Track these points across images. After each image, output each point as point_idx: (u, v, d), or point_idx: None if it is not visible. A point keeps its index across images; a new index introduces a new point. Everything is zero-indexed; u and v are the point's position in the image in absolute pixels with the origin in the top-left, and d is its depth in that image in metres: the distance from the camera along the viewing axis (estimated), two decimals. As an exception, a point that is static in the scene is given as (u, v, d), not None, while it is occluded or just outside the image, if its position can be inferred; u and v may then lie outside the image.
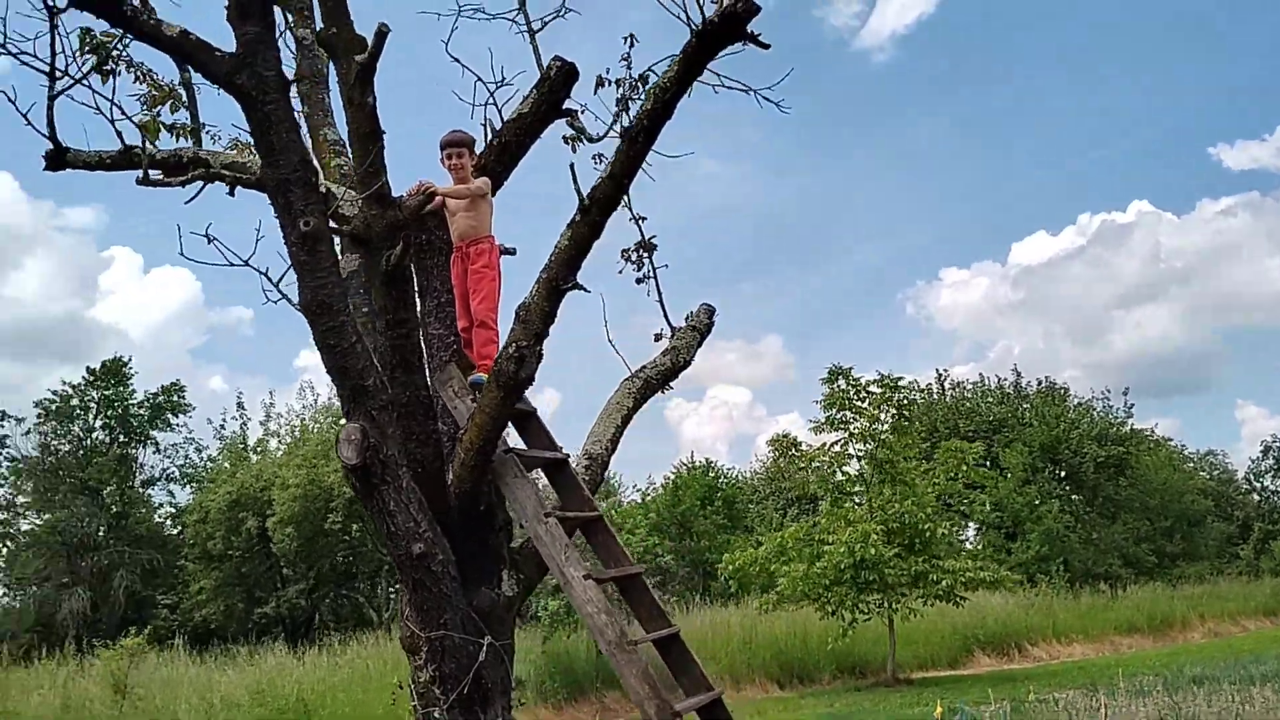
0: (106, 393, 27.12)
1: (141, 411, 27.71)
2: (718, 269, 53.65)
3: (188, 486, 28.58)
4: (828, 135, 56.39)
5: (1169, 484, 33.87)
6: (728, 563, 19.46)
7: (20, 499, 27.02)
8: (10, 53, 4.49)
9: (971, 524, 32.19)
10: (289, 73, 6.12)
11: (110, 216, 45.66)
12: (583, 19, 6.74)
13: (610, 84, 6.26)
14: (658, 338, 5.97)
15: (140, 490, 28.04)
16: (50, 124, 4.88)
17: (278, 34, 5.80)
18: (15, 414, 26.94)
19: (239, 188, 5.52)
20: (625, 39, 6.24)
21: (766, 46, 4.30)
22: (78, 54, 4.79)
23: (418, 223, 5.26)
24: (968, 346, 55.46)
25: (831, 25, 53.11)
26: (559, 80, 5.23)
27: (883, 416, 19.44)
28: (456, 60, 5.77)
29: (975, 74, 55.72)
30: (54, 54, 4.85)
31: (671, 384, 5.79)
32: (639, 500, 30.37)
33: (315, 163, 5.94)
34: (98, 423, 27.47)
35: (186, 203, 5.46)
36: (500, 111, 5.56)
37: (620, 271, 6.46)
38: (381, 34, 4.52)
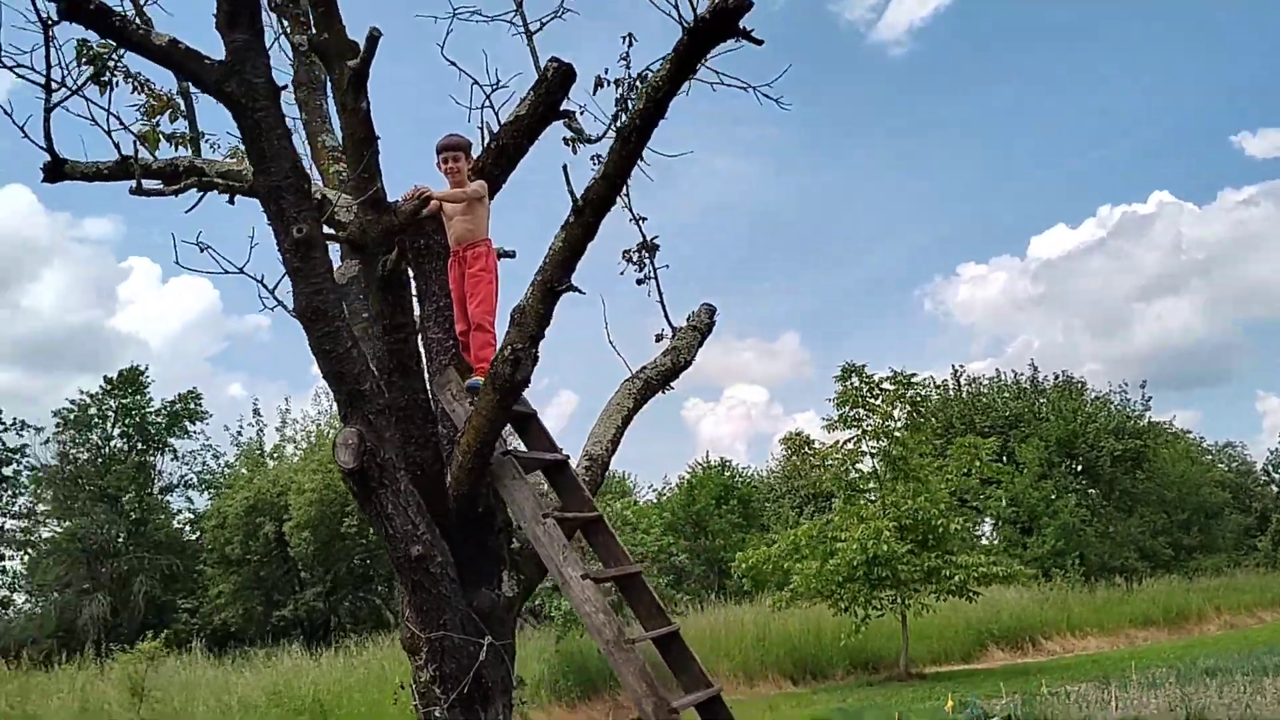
0: (124, 401, 27.39)
1: (159, 419, 27.98)
2: (734, 267, 53.70)
3: (205, 493, 28.85)
4: (845, 130, 56.31)
5: (1186, 476, 33.63)
6: (741, 561, 19.49)
7: (41, 507, 27.34)
8: (6, 66, 4.54)
9: (988, 519, 32.11)
10: (287, 80, 6.24)
11: (128, 227, 46.11)
12: (581, 19, 6.75)
13: (609, 84, 6.27)
14: (659, 338, 5.98)
15: (159, 497, 28.31)
16: (47, 136, 4.93)
17: (276, 40, 5.93)
18: (35, 424, 27.31)
19: (240, 196, 5.58)
20: (624, 39, 6.24)
21: (760, 42, 4.29)
22: (74, 66, 4.82)
23: (415, 227, 5.28)
24: (986, 342, 55.26)
25: (846, 19, 52.98)
26: (556, 81, 5.23)
27: (896, 413, 19.42)
28: (453, 64, 5.79)
29: (994, 64, 55.49)
30: (49, 66, 4.90)
31: (673, 384, 5.79)
32: (655, 500, 30.45)
33: (316, 170, 6.02)
34: (116, 431, 27.74)
35: (186, 211, 5.51)
36: (497, 114, 5.58)
37: (622, 272, 6.48)
38: (373, 38, 4.54)
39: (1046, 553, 28.71)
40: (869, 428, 19.07)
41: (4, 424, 26.46)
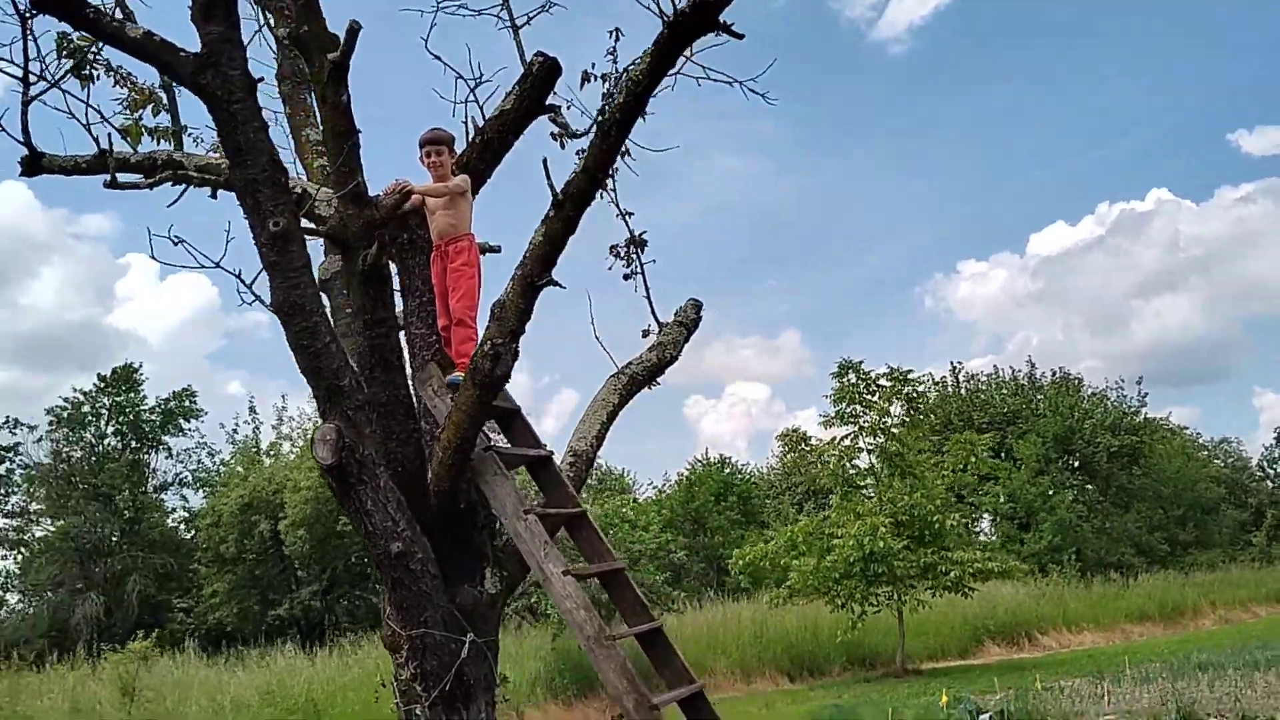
0: (118, 399, 27.30)
1: (153, 417, 27.89)
2: (736, 265, 53.70)
3: (200, 491, 28.77)
4: (846, 128, 56.28)
5: (1182, 472, 33.65)
6: (738, 558, 19.47)
7: (34, 506, 27.26)
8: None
9: (986, 515, 32.10)
10: (270, 73, 6.20)
11: (125, 223, 45.99)
12: (569, 14, 6.71)
13: (596, 79, 6.24)
14: (645, 333, 5.95)
15: (153, 495, 28.23)
16: (25, 129, 4.90)
17: (258, 33, 5.88)
18: (30, 422, 27.22)
19: (221, 190, 5.54)
20: (610, 33, 6.21)
21: (740, 36, 4.25)
22: (49, 58, 4.78)
23: (398, 222, 5.25)
24: (987, 339, 55.27)
25: (847, 17, 52.92)
26: (541, 76, 5.19)
27: (893, 410, 19.41)
28: (437, 58, 5.75)
29: (993, 62, 55.45)
30: (27, 59, 4.87)
31: (659, 380, 5.76)
32: (655, 497, 30.41)
33: (300, 164, 5.98)
34: (109, 429, 27.66)
35: (169, 205, 5.49)
36: (482, 109, 5.54)
37: (610, 268, 6.46)
38: (353, 31, 4.49)
39: (1043, 548, 28.71)
40: (866, 424, 19.05)
41: (-3, 422, 26.40)
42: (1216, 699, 10.44)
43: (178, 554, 26.79)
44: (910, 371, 19.57)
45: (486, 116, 5.42)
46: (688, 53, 5.37)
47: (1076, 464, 33.03)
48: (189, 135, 6.05)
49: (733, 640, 18.66)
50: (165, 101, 6.04)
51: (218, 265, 4.32)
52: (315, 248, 5.95)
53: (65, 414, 26.95)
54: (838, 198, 55.85)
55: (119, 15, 4.75)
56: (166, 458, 28.75)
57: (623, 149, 6.33)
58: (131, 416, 27.44)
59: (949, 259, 65.15)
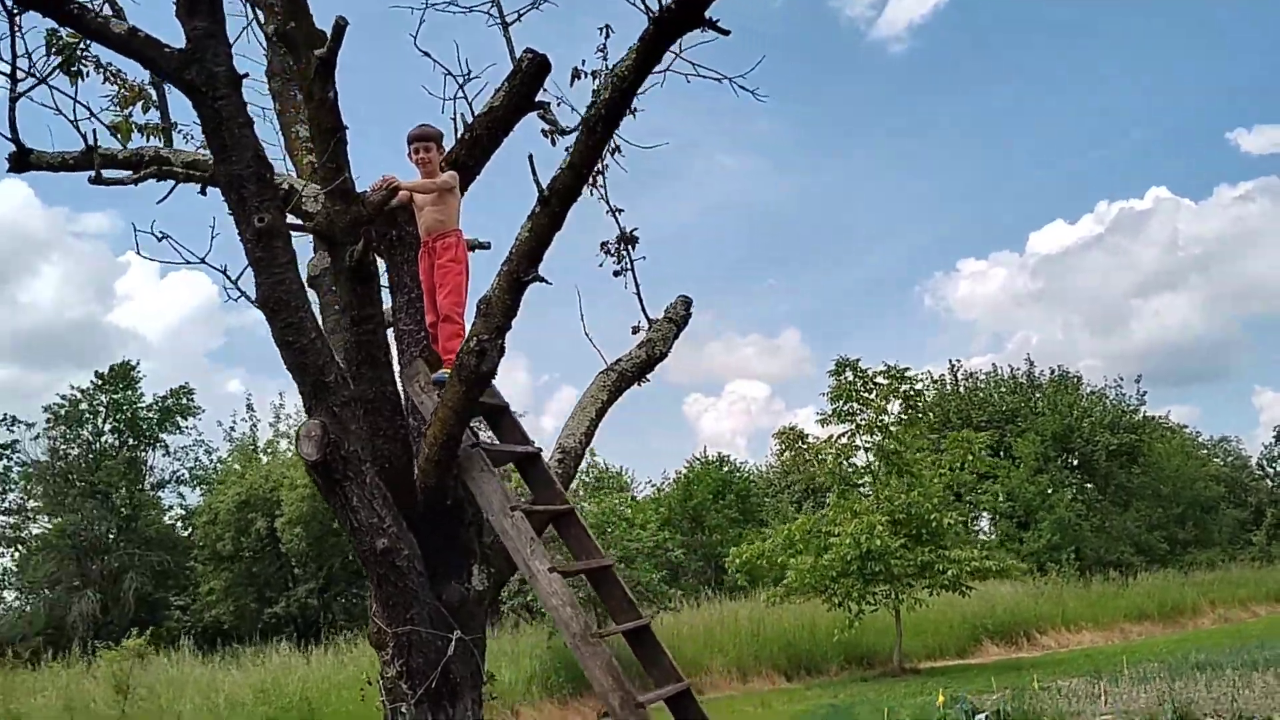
0: (115, 397, 27.29)
1: (150, 415, 27.88)
2: (737, 263, 53.70)
3: (198, 488, 28.77)
4: (846, 127, 56.26)
5: (1181, 471, 33.63)
6: (735, 556, 19.46)
7: (31, 503, 27.25)
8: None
9: (985, 514, 32.09)
10: (260, 70, 6.18)
11: (125, 221, 45.96)
12: (559, 11, 6.70)
13: (586, 76, 6.22)
14: (635, 330, 5.93)
15: (150, 493, 28.23)
16: (12, 125, 4.88)
17: (247, 28, 5.86)
18: (26, 419, 27.20)
19: (211, 186, 5.52)
20: (601, 30, 6.19)
21: (726, 33, 4.24)
22: (37, 54, 4.76)
23: (387, 219, 5.23)
24: (986, 338, 55.27)
25: (847, 16, 52.91)
26: (531, 73, 5.18)
27: (890, 408, 19.39)
28: (426, 54, 5.75)
29: (993, 61, 55.43)
30: (14, 55, 4.86)
31: (648, 376, 5.74)
32: (653, 495, 30.40)
33: (290, 161, 5.96)
34: (106, 426, 27.65)
35: (158, 202, 5.45)
36: (470, 105, 5.53)
37: (600, 264, 6.44)
38: (339, 27, 4.47)
39: (1042, 547, 28.71)
40: (863, 422, 19.04)
41: (-6, 420, 26.38)
42: (1214, 699, 10.43)
43: (174, 552, 26.78)
44: (907, 369, 19.57)
45: (475, 113, 5.41)
46: (677, 50, 5.39)
47: (1075, 462, 33.01)
48: (179, 132, 6.02)
49: (729, 639, 18.65)
50: (155, 98, 6.02)
51: (203, 261, 4.32)
52: (304, 244, 5.96)
53: (63, 411, 26.95)
54: (838, 196, 55.91)
55: (107, 11, 4.73)
56: (164, 455, 28.80)
57: (613, 146, 6.36)
58: (129, 414, 27.44)
59: (949, 258, 65.26)
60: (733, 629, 19.15)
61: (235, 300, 4.43)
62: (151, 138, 5.98)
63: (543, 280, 4.36)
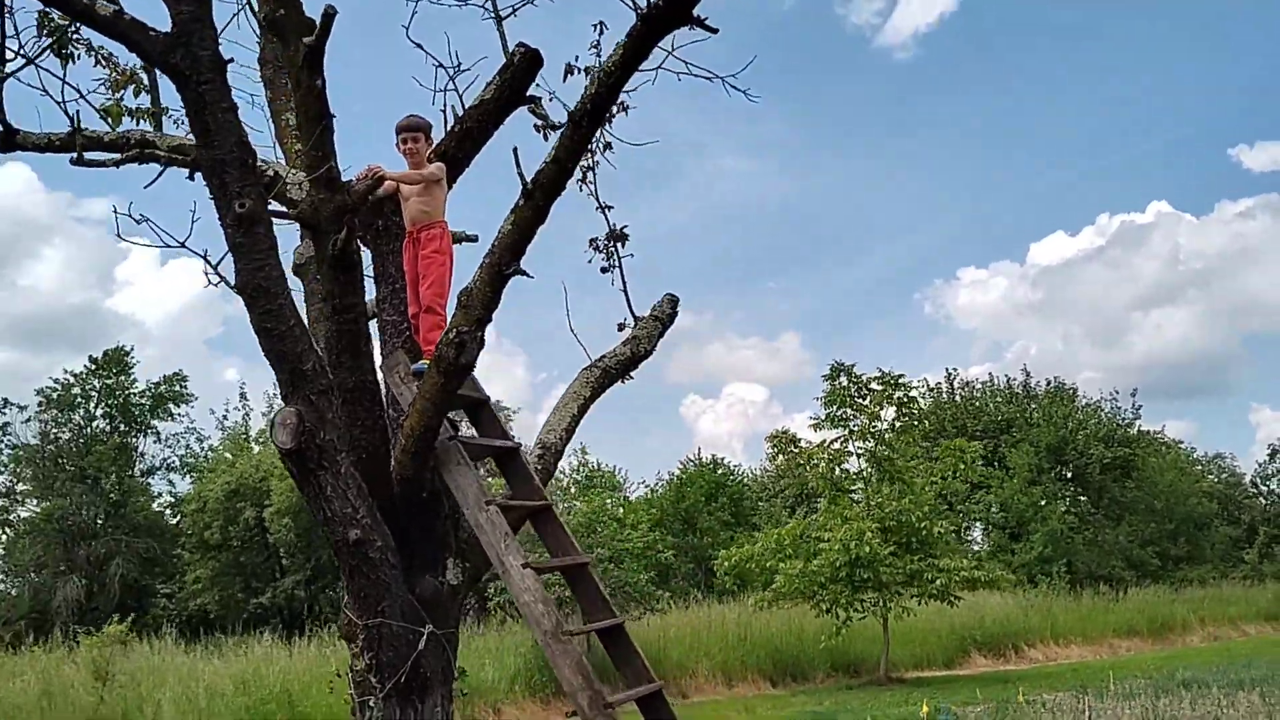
0: (108, 382, 27.25)
1: (143, 401, 27.84)
2: (737, 265, 53.67)
3: (188, 476, 28.72)
4: (849, 132, 56.23)
5: (1175, 486, 33.59)
6: (724, 559, 19.42)
7: (20, 486, 27.22)
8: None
9: (978, 524, 32.06)
10: (253, 57, 6.15)
11: (135, 208, 45.87)
12: (554, 7, 6.67)
13: (579, 72, 6.20)
14: (621, 327, 5.91)
15: (140, 479, 28.18)
16: (-1, 105, 4.86)
17: (240, 12, 5.84)
18: (20, 402, 27.16)
19: (198, 171, 5.49)
20: (595, 26, 6.17)
21: (714, 31, 4.23)
22: (26, 35, 4.74)
23: (373, 209, 5.21)
24: (985, 346, 55.18)
25: (853, 23, 52.92)
26: (523, 67, 5.16)
27: (884, 414, 19.35)
28: (418, 45, 5.72)
29: (995, 72, 55.42)
30: (4, 36, 4.83)
31: (632, 374, 5.72)
32: (646, 495, 30.36)
33: (280, 149, 5.94)
34: (99, 411, 27.61)
35: (146, 186, 5.43)
36: (461, 97, 5.51)
37: (589, 261, 6.42)
38: (328, 16, 4.44)
39: (1034, 559, 28.66)
40: (856, 428, 19.00)
41: (-14, 401, 26.35)
42: (1198, 717, 10.40)
43: (162, 539, 26.73)
44: (902, 376, 19.52)
45: (466, 106, 5.39)
46: (670, 48, 5.37)
47: (1069, 475, 32.99)
48: (169, 117, 5.99)
49: (716, 642, 18.59)
50: (146, 83, 5.99)
51: (183, 245, 4.29)
52: (291, 232, 5.93)
53: (55, 395, 26.91)
54: (840, 201, 55.91)
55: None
56: (155, 442, 28.77)
57: (605, 143, 6.35)
58: (121, 400, 27.41)
59: (950, 266, 65.15)
60: (720, 632, 19.08)
61: (216, 285, 4.40)
62: (141, 121, 5.97)
63: (524, 273, 4.33)
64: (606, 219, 6.02)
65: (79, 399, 27.24)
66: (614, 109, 6.17)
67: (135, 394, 27.67)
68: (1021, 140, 56.34)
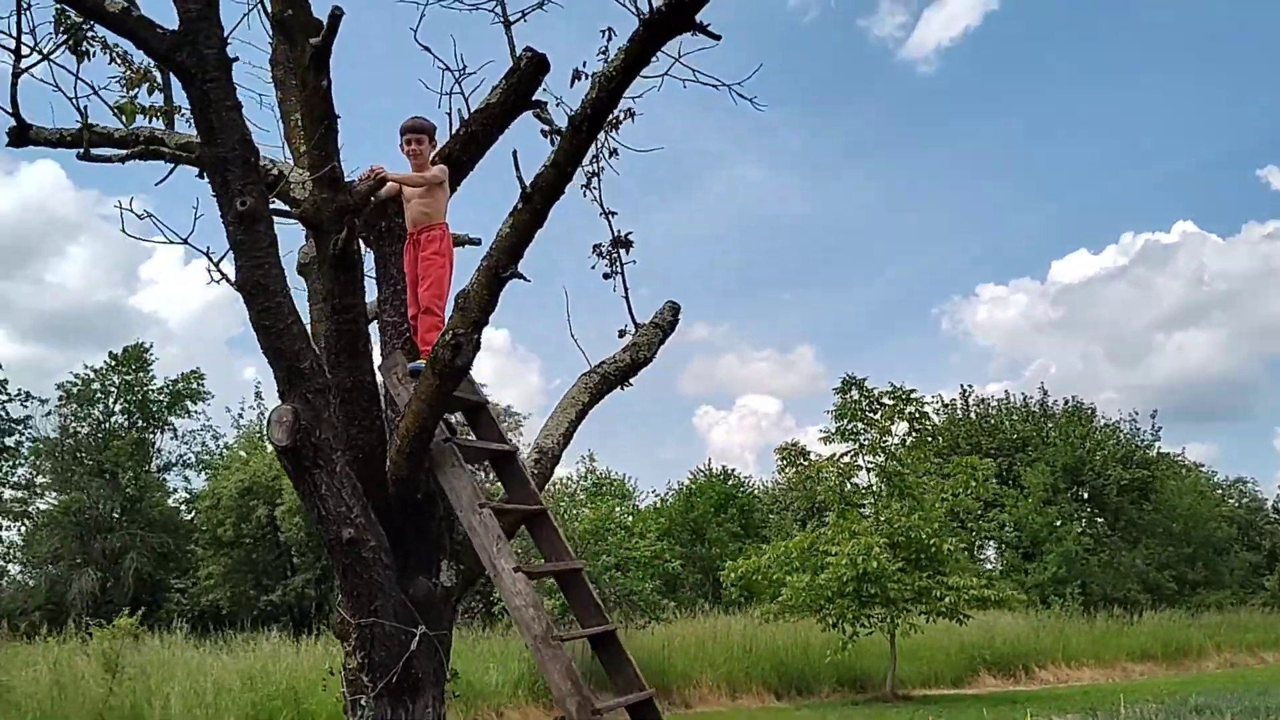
0: (127, 378, 27.55)
1: (161, 397, 28.13)
2: (753, 277, 53.61)
3: (203, 473, 28.97)
4: (869, 146, 56.10)
5: (1194, 510, 33.12)
6: (730, 570, 19.35)
7: (39, 479, 27.54)
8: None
9: (991, 542, 31.73)
10: (264, 58, 6.21)
11: (153, 206, 46.44)
12: (565, 12, 6.70)
13: (586, 78, 6.21)
14: (622, 334, 5.91)
15: (156, 475, 28.46)
16: (13, 101, 4.93)
17: (250, 12, 5.89)
18: (40, 396, 27.51)
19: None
20: (603, 32, 6.19)
21: (717, 38, 4.24)
22: (40, 31, 4.81)
23: (377, 209, 5.25)
24: (1004, 364, 54.66)
25: (875, 36, 52.84)
26: (529, 72, 5.20)
27: (895, 429, 19.24)
28: (426, 49, 5.76)
29: (1020, 88, 55.11)
30: (19, 32, 4.91)
31: (631, 380, 5.72)
32: (656, 505, 30.31)
33: (289, 148, 5.99)
34: (117, 407, 27.92)
35: (156, 184, 5.49)
36: (467, 101, 5.54)
37: (593, 267, 6.43)
38: (335, 17, 4.49)
39: (1047, 579, 28.33)
40: (866, 442, 18.90)
41: (9, 395, 26.70)
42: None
43: (176, 534, 26.96)
44: (913, 391, 19.41)
45: (472, 109, 5.42)
46: (676, 54, 5.38)
47: (1085, 495, 32.63)
48: (181, 115, 6.06)
49: (721, 653, 18.48)
50: (160, 81, 6.06)
51: (185, 241, 4.33)
52: (297, 231, 5.98)
53: (75, 390, 27.24)
54: (859, 214, 55.76)
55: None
56: (171, 438, 29.05)
57: (612, 150, 6.37)
58: (140, 396, 27.70)
59: (968, 281, 64.70)
60: (725, 643, 18.98)
61: (218, 282, 4.44)
62: (155, 119, 6.04)
63: (521, 277, 4.35)
64: (610, 225, 6.04)
65: (98, 394, 27.57)
66: (621, 116, 6.21)
67: (154, 390, 28.00)
68: (1045, 156, 56.03)
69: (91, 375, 27.55)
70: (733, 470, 32.03)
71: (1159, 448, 33.99)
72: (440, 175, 4.98)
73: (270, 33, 5.99)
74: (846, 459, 19.11)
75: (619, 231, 6.27)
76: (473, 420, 5.15)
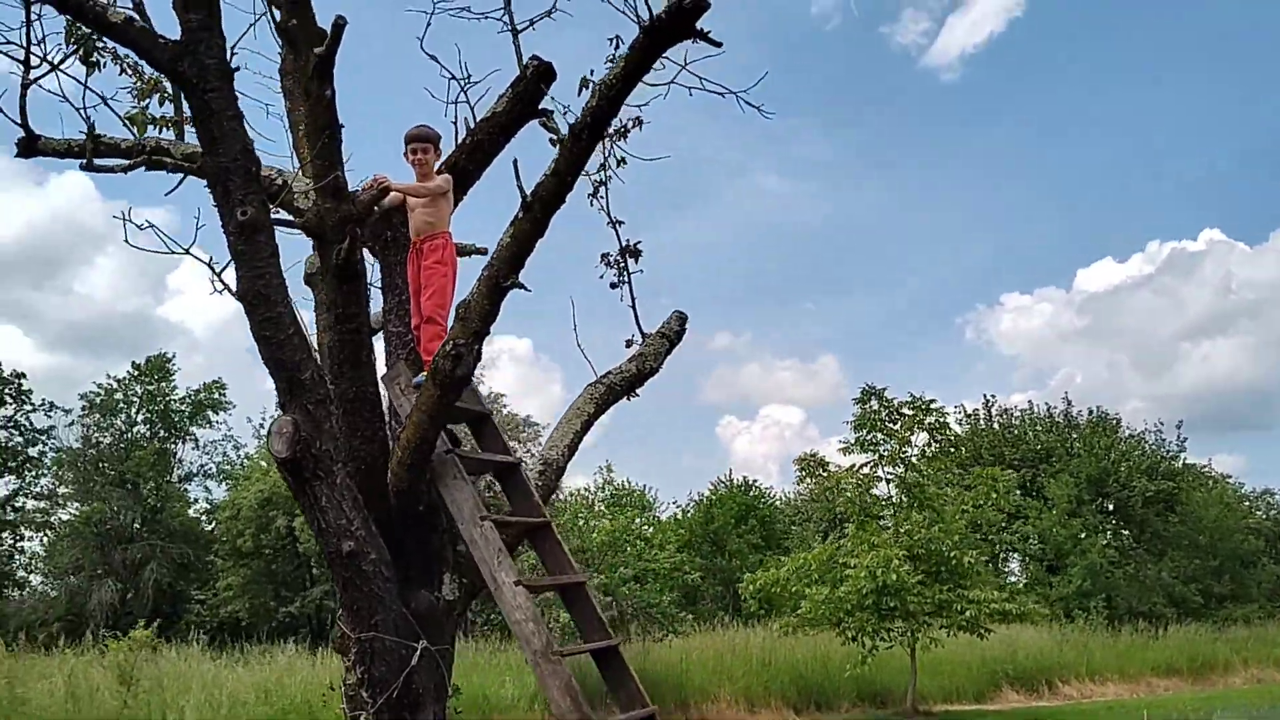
0: (149, 388, 27.77)
1: (183, 408, 28.34)
2: (775, 286, 53.45)
3: (224, 483, 29.15)
4: (891, 154, 55.87)
5: (1220, 522, 32.54)
6: (749, 582, 19.18)
7: (61, 489, 27.78)
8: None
9: (1015, 555, 31.32)
10: (273, 67, 6.22)
11: (181, 217, 46.99)
12: (573, 20, 6.68)
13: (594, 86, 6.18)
14: (629, 343, 5.85)
15: (177, 485, 28.64)
16: (22, 111, 4.96)
17: (257, 22, 5.91)
18: (65, 406, 27.79)
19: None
20: (611, 40, 6.16)
21: (718, 44, 4.19)
22: (49, 42, 4.84)
23: (382, 219, 5.23)
24: (1028, 374, 54.18)
25: (898, 43, 52.72)
26: (535, 80, 5.17)
27: (915, 439, 19.03)
28: (433, 58, 5.74)
29: (1044, 95, 54.78)
30: (29, 43, 4.94)
31: (638, 391, 5.65)
32: (677, 516, 30.16)
33: (296, 158, 5.99)
34: (139, 417, 28.14)
35: (166, 194, 5.53)
36: (473, 109, 5.52)
37: (601, 276, 6.38)
38: (338, 26, 4.48)
39: (1072, 593, 27.91)
40: (886, 452, 18.69)
41: (33, 405, 26.99)
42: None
43: (196, 545, 27.09)
44: (934, 401, 19.18)
45: (477, 118, 5.40)
46: (682, 62, 5.33)
47: (1111, 507, 32.16)
48: (190, 126, 6.08)
49: (739, 666, 18.31)
50: (170, 92, 6.08)
51: (187, 252, 4.32)
52: (303, 242, 5.97)
53: (98, 400, 27.48)
54: (881, 223, 55.53)
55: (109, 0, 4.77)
56: (193, 449, 29.26)
57: (619, 158, 6.32)
58: (162, 406, 27.92)
59: (992, 290, 64.27)
60: (744, 657, 18.80)
61: (220, 293, 4.42)
62: (164, 130, 6.06)
63: (522, 287, 4.31)
64: (617, 235, 5.98)
65: (121, 404, 27.81)
66: (629, 125, 6.17)
67: (176, 400, 28.21)
68: (1071, 164, 55.56)
69: (114, 385, 27.82)
70: (754, 481, 31.88)
71: (1185, 459, 33.50)
72: (444, 185, 4.95)
73: (279, 44, 6.01)
74: (866, 470, 18.91)
75: (628, 240, 6.23)
76: (477, 431, 5.10)
